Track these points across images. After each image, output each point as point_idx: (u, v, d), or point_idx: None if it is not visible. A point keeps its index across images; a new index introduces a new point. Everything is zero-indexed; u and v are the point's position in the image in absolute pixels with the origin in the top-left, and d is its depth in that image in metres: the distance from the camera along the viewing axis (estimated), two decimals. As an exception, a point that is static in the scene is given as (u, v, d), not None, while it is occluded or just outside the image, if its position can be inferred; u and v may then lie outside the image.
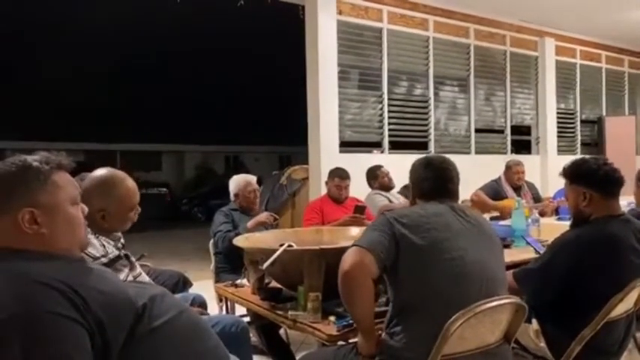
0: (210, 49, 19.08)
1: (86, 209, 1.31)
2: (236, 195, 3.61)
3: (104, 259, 1.85)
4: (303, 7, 5.35)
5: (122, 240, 2.07)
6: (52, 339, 0.98)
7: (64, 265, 1.15)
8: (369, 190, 4.58)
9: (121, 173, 2.02)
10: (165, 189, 18.49)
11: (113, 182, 1.96)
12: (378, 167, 4.64)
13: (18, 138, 17.41)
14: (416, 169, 1.93)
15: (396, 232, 1.64)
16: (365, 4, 5.57)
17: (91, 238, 1.87)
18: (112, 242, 1.97)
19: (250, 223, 3.34)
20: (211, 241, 3.55)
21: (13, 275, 1.05)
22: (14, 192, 1.15)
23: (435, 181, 1.85)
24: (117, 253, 1.96)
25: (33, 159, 1.20)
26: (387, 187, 4.55)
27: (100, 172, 1.99)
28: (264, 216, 3.43)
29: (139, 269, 2.10)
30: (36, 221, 1.15)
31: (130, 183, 2.00)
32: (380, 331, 1.70)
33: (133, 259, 2.08)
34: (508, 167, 4.87)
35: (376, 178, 4.55)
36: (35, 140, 17.61)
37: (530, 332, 2.05)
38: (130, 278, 1.98)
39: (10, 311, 0.97)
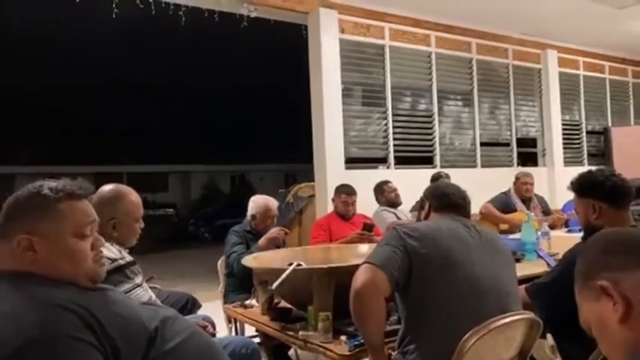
0: (215, 69, 19.28)
1: (102, 241, 1.30)
2: (253, 216, 3.42)
3: (122, 261, 1.95)
4: (306, 26, 5.41)
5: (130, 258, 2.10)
6: None
7: (76, 290, 1.15)
8: (376, 205, 4.57)
9: (126, 187, 2.20)
10: (171, 210, 18.51)
11: (120, 194, 2.14)
12: (385, 182, 4.63)
13: (27, 163, 17.55)
14: (437, 185, 2.04)
15: (408, 246, 1.63)
16: (367, 22, 5.62)
17: (107, 244, 1.92)
18: (125, 250, 2.06)
19: (262, 241, 3.19)
20: (219, 262, 3.52)
21: (33, 299, 1.06)
22: (17, 217, 1.18)
23: (455, 195, 1.90)
24: (132, 258, 2.04)
25: (48, 186, 1.21)
26: (394, 203, 4.54)
27: (108, 187, 2.18)
28: (275, 231, 3.26)
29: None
30: (33, 248, 1.15)
31: (135, 195, 2.17)
32: (391, 350, 1.68)
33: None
34: (517, 179, 4.85)
35: (382, 192, 4.54)
36: (44, 165, 17.78)
37: (546, 348, 2.01)
38: (145, 285, 2.04)
39: (27, 335, 0.98)
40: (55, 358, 0.98)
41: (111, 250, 1.94)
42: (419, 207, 2.04)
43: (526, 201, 4.75)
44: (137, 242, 2.14)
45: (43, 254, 1.15)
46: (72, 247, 1.20)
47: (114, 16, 4.49)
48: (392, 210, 4.48)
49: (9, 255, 1.15)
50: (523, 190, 4.76)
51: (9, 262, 1.14)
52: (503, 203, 4.69)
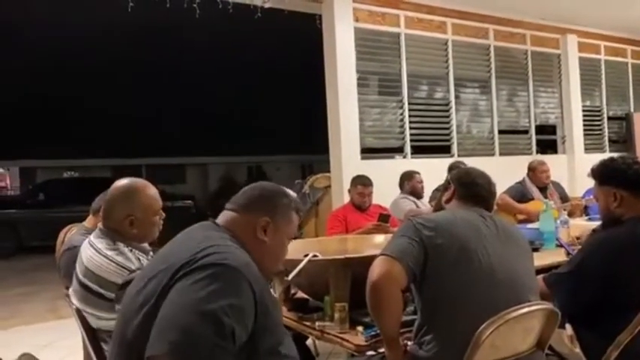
0: (230, 60, 19.31)
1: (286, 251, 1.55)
2: None
3: (140, 272, 1.90)
4: (320, 16, 5.37)
5: (152, 254, 2.10)
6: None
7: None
8: (394, 195, 4.55)
9: (141, 181, 2.11)
10: (190, 201, 18.66)
11: (136, 189, 2.05)
12: (416, 172, 4.62)
13: (46, 156, 17.84)
14: (467, 172, 1.95)
15: (424, 237, 1.62)
16: (381, 10, 5.56)
17: (125, 251, 1.94)
18: (144, 255, 2.01)
19: None
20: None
21: (245, 256, 1.32)
22: (266, 202, 1.47)
23: (483, 187, 1.86)
24: (149, 248, 2.03)
25: (290, 194, 1.56)
26: (418, 193, 4.51)
27: (122, 182, 2.09)
28: None
29: None
30: (265, 231, 1.43)
31: (152, 189, 2.08)
32: (406, 341, 1.68)
33: None
34: (533, 168, 4.78)
35: (410, 180, 4.52)
36: (63, 158, 18.05)
37: (565, 338, 1.99)
38: None
39: (261, 287, 1.27)
40: (238, 287, 1.21)
41: (129, 259, 1.92)
42: (443, 188, 2.00)
43: (543, 189, 4.68)
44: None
45: (270, 239, 1.44)
46: (284, 246, 1.52)
47: (129, 9, 4.52)
48: (411, 199, 4.46)
49: (245, 225, 1.43)
50: (544, 178, 4.71)
51: (243, 231, 1.42)
52: (519, 193, 4.64)
